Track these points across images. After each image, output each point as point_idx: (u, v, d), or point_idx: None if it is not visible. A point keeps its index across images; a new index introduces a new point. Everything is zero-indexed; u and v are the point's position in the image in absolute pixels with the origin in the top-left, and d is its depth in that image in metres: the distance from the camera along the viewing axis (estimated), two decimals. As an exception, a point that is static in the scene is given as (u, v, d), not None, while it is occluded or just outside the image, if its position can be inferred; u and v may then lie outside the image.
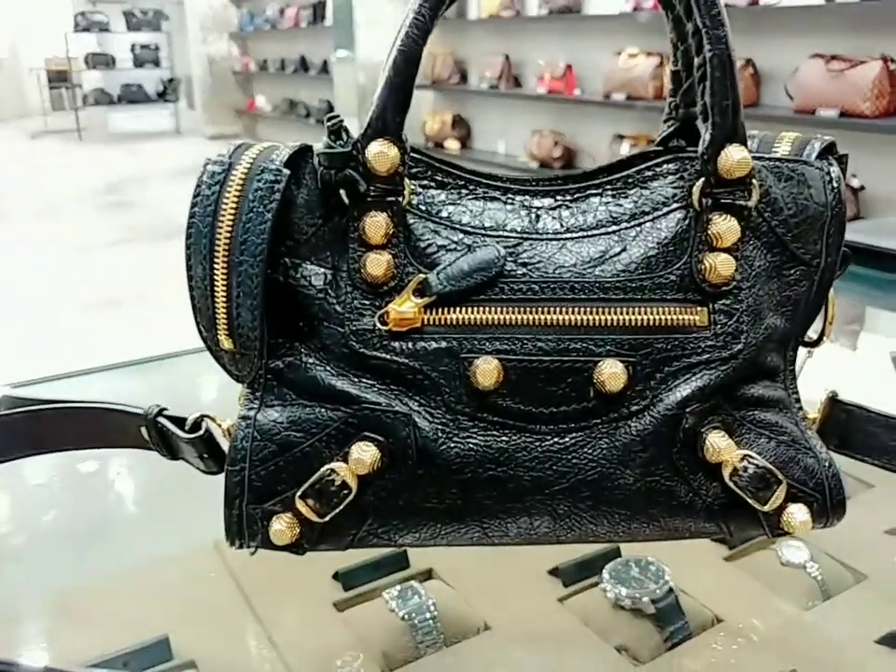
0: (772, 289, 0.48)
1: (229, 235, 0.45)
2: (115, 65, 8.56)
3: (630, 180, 0.48)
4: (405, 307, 0.45)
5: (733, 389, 0.48)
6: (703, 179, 0.46)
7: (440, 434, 0.46)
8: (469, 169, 0.52)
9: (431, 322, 0.46)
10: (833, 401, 0.55)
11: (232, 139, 7.84)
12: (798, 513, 0.48)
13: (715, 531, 0.49)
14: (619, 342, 0.46)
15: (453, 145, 5.83)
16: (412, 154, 0.47)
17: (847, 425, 0.56)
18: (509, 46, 5.42)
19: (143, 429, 0.56)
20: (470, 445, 0.46)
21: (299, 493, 0.46)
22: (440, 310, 0.46)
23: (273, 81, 7.69)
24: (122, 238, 4.76)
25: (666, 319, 0.46)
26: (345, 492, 0.45)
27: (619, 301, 0.46)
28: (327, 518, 0.46)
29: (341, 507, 0.46)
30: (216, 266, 0.45)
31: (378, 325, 0.46)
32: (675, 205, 0.47)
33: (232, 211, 0.45)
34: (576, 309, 0.46)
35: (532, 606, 0.64)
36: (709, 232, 0.46)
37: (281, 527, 0.46)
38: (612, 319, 0.46)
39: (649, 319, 0.46)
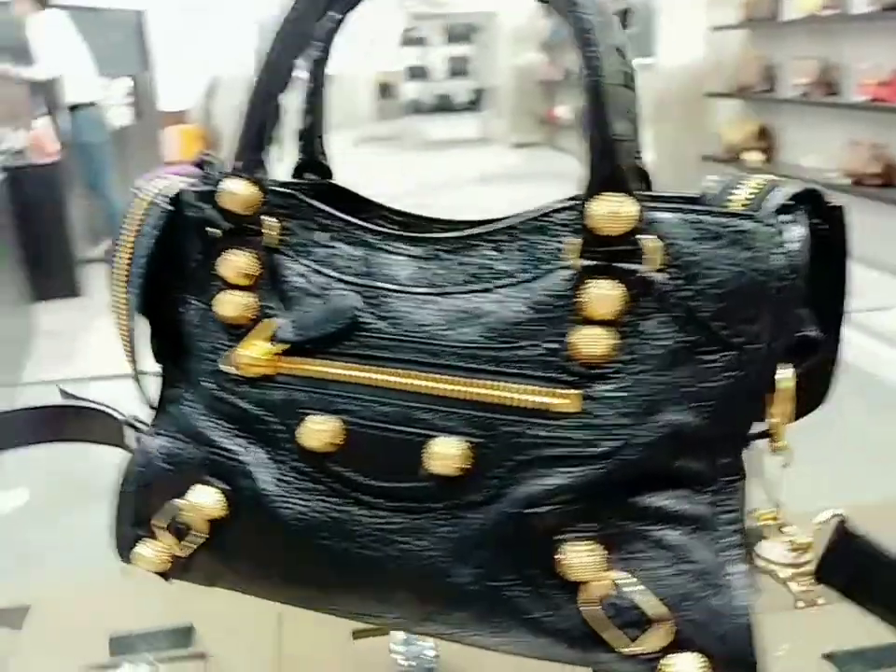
0: (679, 377, 0.38)
1: (127, 262, 0.46)
2: (429, 77, 9.18)
3: (515, 231, 0.41)
4: (252, 351, 0.43)
5: (619, 495, 0.39)
6: (579, 237, 0.38)
7: (280, 491, 0.43)
8: (390, 209, 0.48)
9: (284, 371, 0.43)
10: (844, 530, 0.43)
11: (534, 147, 8.04)
12: (683, 668, 0.38)
13: (581, 662, 0.41)
14: (466, 418, 0.40)
15: (753, 157, 5.44)
16: (292, 192, 0.44)
17: (858, 564, 0.43)
18: (826, 48, 4.93)
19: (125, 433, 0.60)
20: (308, 508, 0.42)
21: (153, 521, 0.46)
22: (296, 359, 0.43)
23: (576, 90, 7.63)
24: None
25: (521, 400, 0.39)
26: (192, 532, 0.44)
27: (472, 372, 0.40)
28: (186, 554, 0.45)
29: (194, 546, 0.45)
30: (115, 295, 0.46)
31: (227, 367, 0.44)
32: (560, 264, 0.40)
33: (131, 242, 0.46)
34: (425, 374, 0.40)
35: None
36: (581, 301, 0.38)
37: (147, 553, 0.46)
38: (460, 391, 0.40)
39: (500, 397, 0.39)
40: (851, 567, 0.43)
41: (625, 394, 0.38)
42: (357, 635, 0.62)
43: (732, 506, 0.40)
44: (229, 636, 0.63)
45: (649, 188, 0.46)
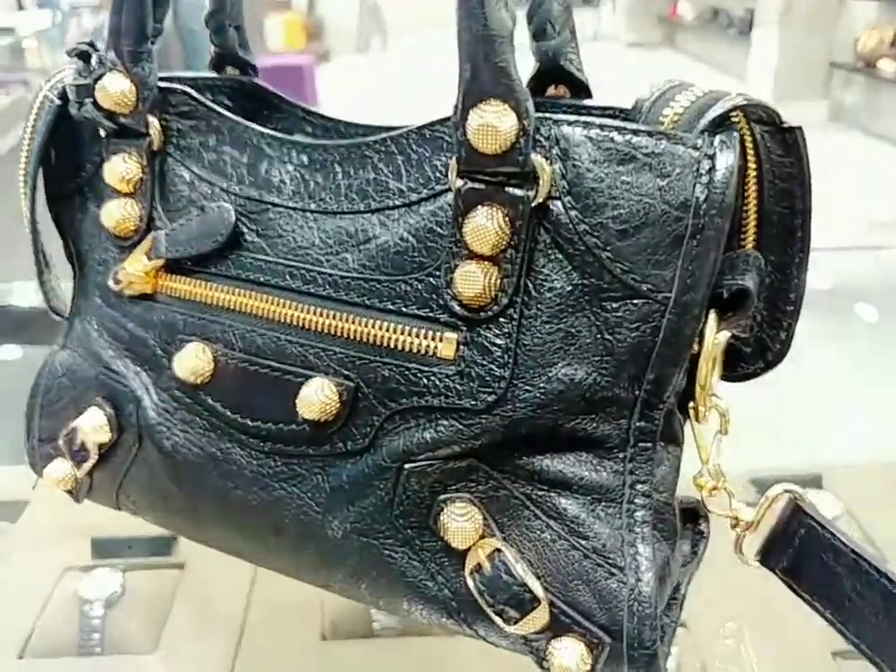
0: (574, 326, 0.32)
1: (25, 160, 0.43)
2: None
3: (406, 141, 0.35)
4: (134, 268, 0.40)
5: (507, 454, 0.34)
6: (457, 155, 0.32)
7: (162, 420, 0.40)
8: (310, 111, 0.43)
9: (164, 290, 0.39)
10: (796, 508, 0.38)
11: (651, 47, 7.59)
12: (566, 655, 0.34)
13: (463, 631, 0.37)
14: (339, 357, 0.35)
15: (889, 66, 4.98)
16: (182, 89, 0.40)
17: (804, 548, 0.38)
18: None
19: None
20: (187, 441, 0.40)
21: (59, 440, 0.44)
22: (175, 277, 0.39)
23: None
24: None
25: (397, 339, 0.34)
26: (84, 453, 0.42)
27: (349, 305, 0.35)
28: (85, 472, 0.43)
29: (90, 465, 0.43)
30: (22, 192, 0.44)
31: (112, 283, 0.41)
32: (447, 184, 0.34)
33: (29, 139, 0.43)
34: (299, 304, 0.36)
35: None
36: (462, 231, 0.32)
37: (55, 472, 0.45)
38: (333, 326, 0.35)
39: (375, 335, 0.34)
40: (796, 551, 0.38)
41: (509, 342, 0.33)
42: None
43: (645, 476, 0.34)
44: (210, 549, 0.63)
45: (587, 96, 0.39)
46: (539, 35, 0.39)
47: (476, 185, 0.32)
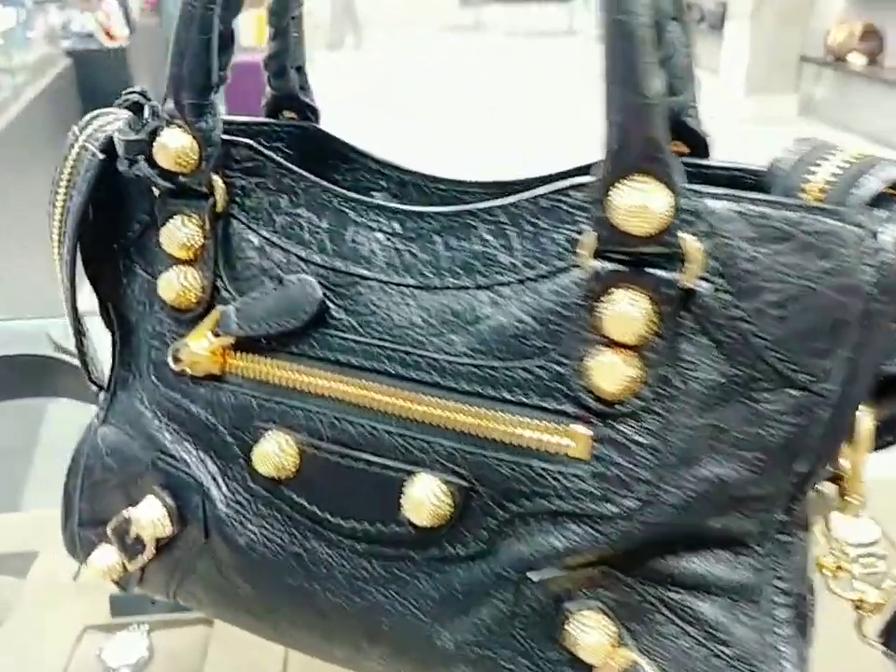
0: (723, 421, 0.29)
1: (60, 217, 0.39)
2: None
3: (520, 211, 0.31)
4: (198, 346, 0.35)
5: (641, 558, 0.31)
6: (595, 232, 0.29)
7: (234, 514, 0.36)
8: (382, 162, 0.39)
9: (234, 370, 0.35)
10: None
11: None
12: None
13: None
14: (449, 452, 0.31)
15: (857, 60, 5.02)
16: (247, 143, 0.35)
17: None
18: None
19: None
20: (264, 538, 0.35)
21: (108, 530, 0.39)
22: (247, 356, 0.35)
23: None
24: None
25: (519, 434, 0.30)
26: (140, 546, 0.38)
27: (457, 393, 0.31)
28: (137, 566, 0.39)
29: (140, 559, 0.38)
30: (54, 249, 0.40)
31: (173, 362, 0.36)
32: (571, 260, 0.30)
33: (63, 193, 0.39)
34: (400, 391, 0.32)
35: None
36: (597, 315, 0.29)
37: (101, 560, 0.40)
38: (442, 416, 0.31)
39: (492, 428, 0.31)
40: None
41: (653, 439, 0.29)
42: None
43: (783, 570, 0.31)
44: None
45: (705, 154, 0.35)
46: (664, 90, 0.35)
47: (616, 266, 0.28)
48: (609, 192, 0.27)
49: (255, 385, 0.35)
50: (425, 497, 0.31)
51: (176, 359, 0.36)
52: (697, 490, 0.29)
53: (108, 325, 0.41)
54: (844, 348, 0.28)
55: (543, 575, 0.31)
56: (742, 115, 5.48)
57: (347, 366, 0.33)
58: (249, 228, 0.35)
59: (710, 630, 0.31)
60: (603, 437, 0.30)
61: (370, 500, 0.33)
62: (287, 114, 0.43)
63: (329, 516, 0.34)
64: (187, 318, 0.36)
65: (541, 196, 0.31)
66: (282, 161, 0.35)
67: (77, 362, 0.56)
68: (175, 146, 0.33)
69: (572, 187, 0.30)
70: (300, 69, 0.42)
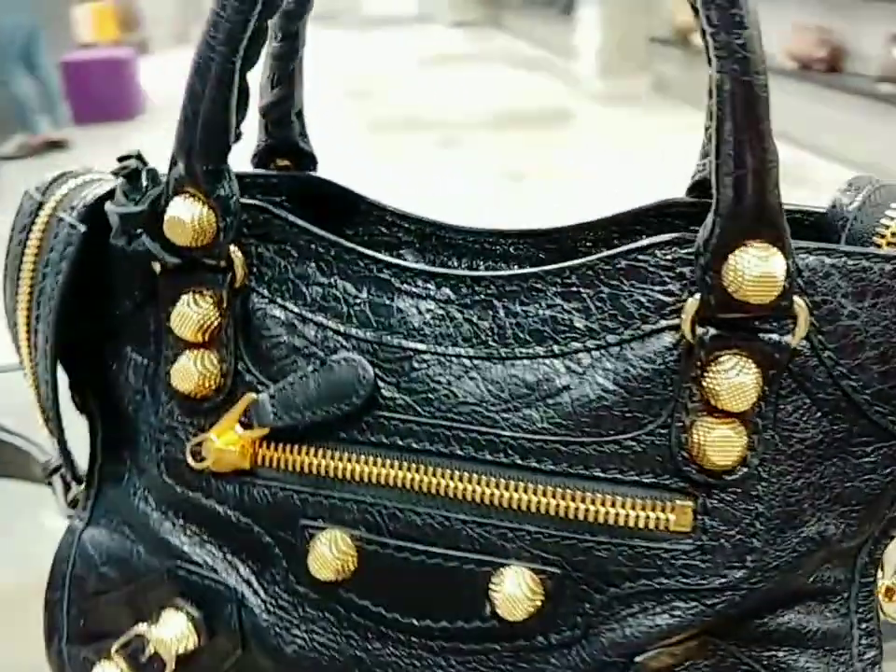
0: (826, 477, 0.28)
1: (28, 296, 0.34)
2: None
3: (591, 273, 0.29)
4: (226, 441, 0.31)
5: (736, 619, 0.29)
6: (700, 296, 0.27)
7: (275, 621, 0.32)
8: (397, 213, 0.36)
9: (267, 462, 0.31)
10: None
11: (475, 26, 7.65)
12: None
13: None
14: (536, 539, 0.29)
15: (701, 39, 5.27)
16: (261, 205, 0.31)
17: None
18: (779, -75, 4.72)
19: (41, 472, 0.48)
20: (315, 644, 0.32)
21: (114, 648, 0.34)
22: (280, 445, 0.31)
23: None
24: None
25: (616, 514, 0.28)
26: (158, 664, 0.33)
27: (542, 475, 0.29)
28: None
29: None
30: (18, 330, 0.34)
31: (193, 460, 0.32)
32: (662, 323, 0.28)
33: (31, 269, 0.34)
34: (473, 476, 0.29)
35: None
36: (705, 385, 0.27)
37: None
38: (526, 501, 0.29)
39: (586, 510, 0.28)
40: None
41: (759, 506, 0.28)
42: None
43: (867, 612, 0.31)
44: None
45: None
46: None
47: (723, 332, 0.26)
48: (728, 258, 0.25)
49: (295, 479, 0.31)
50: (520, 593, 0.28)
51: (198, 457, 0.31)
52: (800, 550, 0.28)
53: (84, 411, 0.36)
54: None
55: (650, 656, 0.29)
56: (597, 95, 5.65)
57: (407, 450, 0.30)
58: (273, 302, 0.31)
59: None
60: (708, 508, 0.28)
61: (449, 597, 0.30)
62: (281, 161, 0.39)
63: (398, 616, 0.30)
64: (204, 409, 0.32)
65: (620, 256, 0.28)
66: (306, 224, 0.31)
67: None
68: (190, 218, 0.29)
69: (653, 245, 0.28)
70: (299, 114, 0.38)
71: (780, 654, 0.30)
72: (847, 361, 0.27)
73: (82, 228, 0.31)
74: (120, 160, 0.30)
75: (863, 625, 0.31)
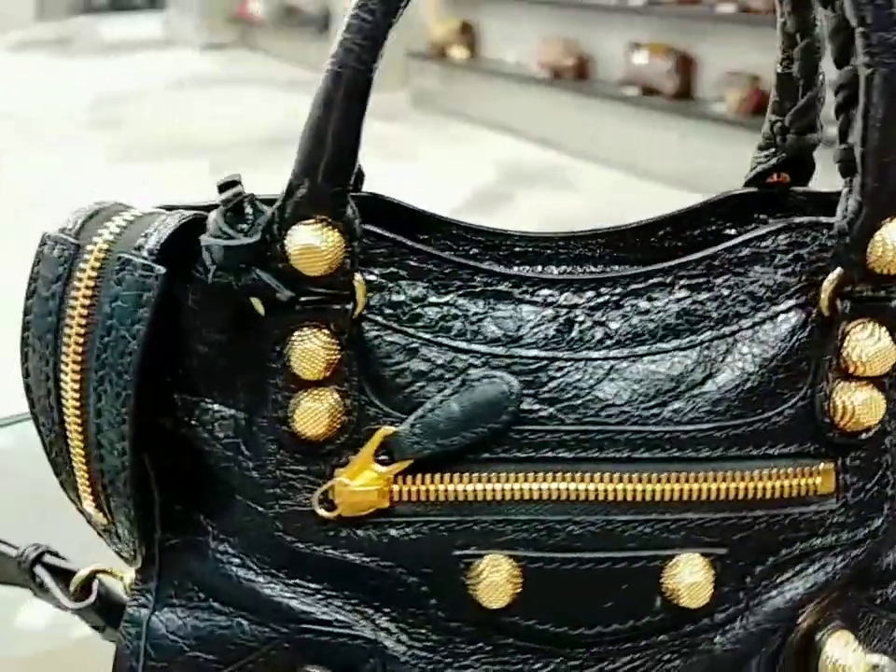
0: None
1: (78, 364, 0.29)
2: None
3: (717, 262, 0.30)
4: (363, 481, 0.29)
5: (865, 566, 0.32)
6: (840, 271, 0.29)
7: (424, 665, 0.30)
8: (461, 225, 0.35)
9: (405, 497, 0.29)
10: None
11: (226, 48, 7.48)
12: None
13: None
14: (702, 526, 0.29)
15: (459, 53, 5.50)
16: (369, 229, 0.29)
17: None
18: (517, -57, 5.04)
19: (17, 570, 0.42)
20: None
21: None
22: (418, 476, 0.29)
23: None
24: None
25: (771, 487, 0.29)
26: None
27: (698, 463, 0.29)
28: None
29: None
30: (63, 405, 0.29)
31: (321, 508, 0.29)
32: (787, 304, 0.30)
33: (81, 326, 0.29)
34: (636, 475, 0.29)
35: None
36: (845, 354, 0.29)
37: None
38: (694, 490, 0.29)
39: (748, 488, 0.29)
40: None
41: (887, 457, 0.31)
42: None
43: None
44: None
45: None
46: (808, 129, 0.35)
47: (859, 303, 0.28)
48: (874, 235, 0.27)
49: (439, 510, 0.29)
50: (700, 578, 0.29)
51: (327, 503, 0.29)
52: None
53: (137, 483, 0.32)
54: None
55: (808, 610, 0.30)
56: (362, 112, 5.72)
57: (556, 461, 0.29)
58: (388, 328, 0.29)
59: None
60: (848, 467, 0.30)
61: (620, 599, 0.30)
62: None
63: (567, 630, 0.30)
64: (324, 452, 0.29)
65: (742, 244, 0.30)
66: (413, 243, 0.30)
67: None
68: (324, 245, 0.27)
69: (773, 232, 0.30)
70: None
71: (890, 592, 0.33)
72: None
73: (161, 269, 0.28)
74: (222, 187, 0.27)
75: None
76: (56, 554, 0.42)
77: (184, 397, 0.30)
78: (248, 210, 0.27)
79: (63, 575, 0.40)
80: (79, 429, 0.30)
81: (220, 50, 7.49)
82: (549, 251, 0.36)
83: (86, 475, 0.31)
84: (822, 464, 0.30)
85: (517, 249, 0.35)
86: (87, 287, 0.29)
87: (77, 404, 0.29)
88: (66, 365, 0.29)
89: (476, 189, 4.22)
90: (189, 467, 0.31)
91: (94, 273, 0.29)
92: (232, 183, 0.27)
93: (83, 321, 0.29)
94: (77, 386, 0.29)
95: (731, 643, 0.31)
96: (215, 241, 0.27)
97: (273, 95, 6.23)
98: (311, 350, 0.28)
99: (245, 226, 0.27)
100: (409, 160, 4.97)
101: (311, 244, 0.27)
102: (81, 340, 0.29)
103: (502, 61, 5.39)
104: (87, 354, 0.29)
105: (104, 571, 0.39)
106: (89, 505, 0.32)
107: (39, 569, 0.40)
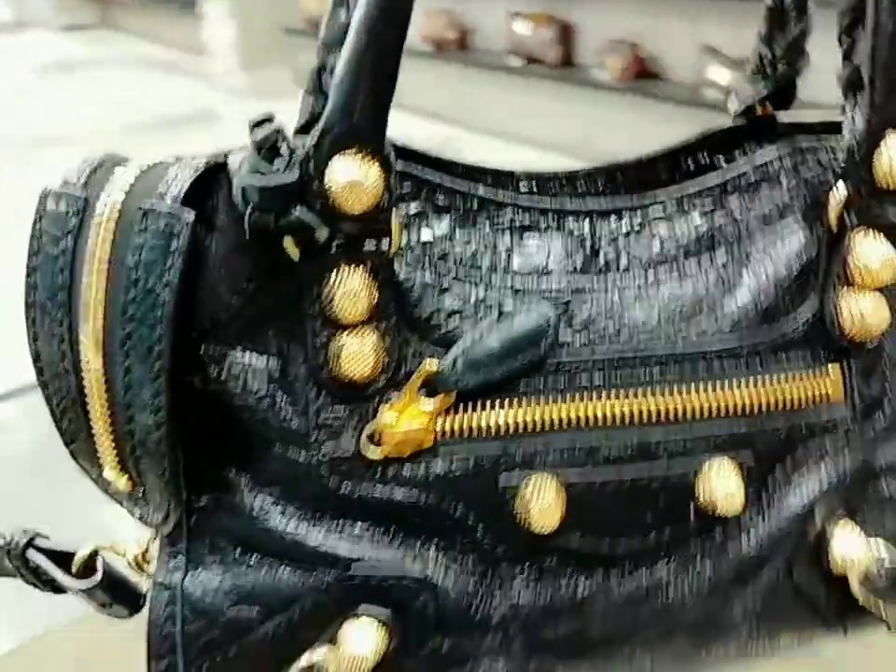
0: None
1: (102, 324, 0.27)
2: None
3: (729, 188, 0.32)
4: (408, 419, 0.29)
5: (864, 465, 0.34)
6: (847, 187, 0.31)
7: (472, 594, 0.31)
8: (476, 167, 0.35)
9: (449, 432, 0.29)
10: None
11: (88, 29, 7.11)
12: None
13: (828, 635, 0.36)
14: (730, 434, 0.31)
15: (337, 28, 5.42)
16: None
17: None
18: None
19: (5, 559, 0.40)
20: (519, 603, 0.31)
21: None
22: (460, 411, 0.29)
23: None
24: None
25: (789, 394, 0.31)
26: None
27: (727, 376, 0.31)
28: None
29: None
30: (83, 369, 0.28)
31: (366, 449, 0.29)
32: (795, 222, 0.32)
33: (102, 278, 0.27)
34: (666, 392, 0.30)
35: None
36: (853, 264, 0.31)
37: None
38: (723, 401, 0.31)
39: (769, 394, 0.31)
40: None
41: (887, 359, 0.33)
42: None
43: None
44: None
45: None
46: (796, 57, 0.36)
47: (864, 217, 0.30)
48: (879, 151, 0.29)
49: (482, 442, 0.30)
50: (731, 485, 0.30)
51: (376, 444, 0.29)
52: None
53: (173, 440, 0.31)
54: None
55: (822, 511, 0.32)
56: (241, 91, 5.57)
57: (592, 386, 0.30)
58: (418, 265, 0.29)
59: None
60: (854, 372, 0.32)
61: (658, 510, 0.31)
62: None
63: (609, 543, 0.31)
64: (367, 394, 0.29)
65: (751, 170, 0.32)
66: (440, 181, 0.30)
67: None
68: (367, 180, 0.26)
69: (778, 157, 0.32)
70: None
71: (882, 481, 0.35)
72: None
73: (190, 216, 0.27)
74: (255, 125, 0.26)
75: None
76: (46, 537, 0.40)
77: (212, 351, 0.29)
78: (283, 148, 0.27)
79: (59, 557, 0.38)
80: (104, 391, 0.29)
81: (82, 31, 7.12)
82: (554, 188, 0.36)
83: (110, 439, 0.29)
84: (833, 370, 0.32)
85: (522, 187, 0.36)
86: (104, 241, 0.28)
87: (101, 364, 0.28)
88: (87, 323, 0.28)
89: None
90: (219, 423, 0.30)
91: (112, 226, 0.27)
92: (267, 120, 0.27)
93: (104, 276, 0.27)
94: (100, 343, 0.28)
95: (755, 545, 0.32)
96: (251, 180, 0.26)
97: (147, 76, 5.98)
98: (353, 290, 0.28)
99: (280, 164, 0.27)
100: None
101: (355, 178, 0.26)
102: (103, 295, 0.28)
103: (383, 35, 5.35)
104: (110, 310, 0.28)
105: (104, 548, 0.38)
106: (110, 471, 0.30)
107: (32, 553, 0.38)
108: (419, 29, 4.85)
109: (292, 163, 0.27)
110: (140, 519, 0.33)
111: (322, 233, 0.27)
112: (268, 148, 0.26)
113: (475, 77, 4.71)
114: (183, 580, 0.31)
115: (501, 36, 4.43)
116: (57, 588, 0.40)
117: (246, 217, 0.27)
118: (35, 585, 0.41)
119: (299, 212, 0.26)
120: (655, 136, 0.43)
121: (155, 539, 0.34)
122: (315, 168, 0.27)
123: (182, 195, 0.27)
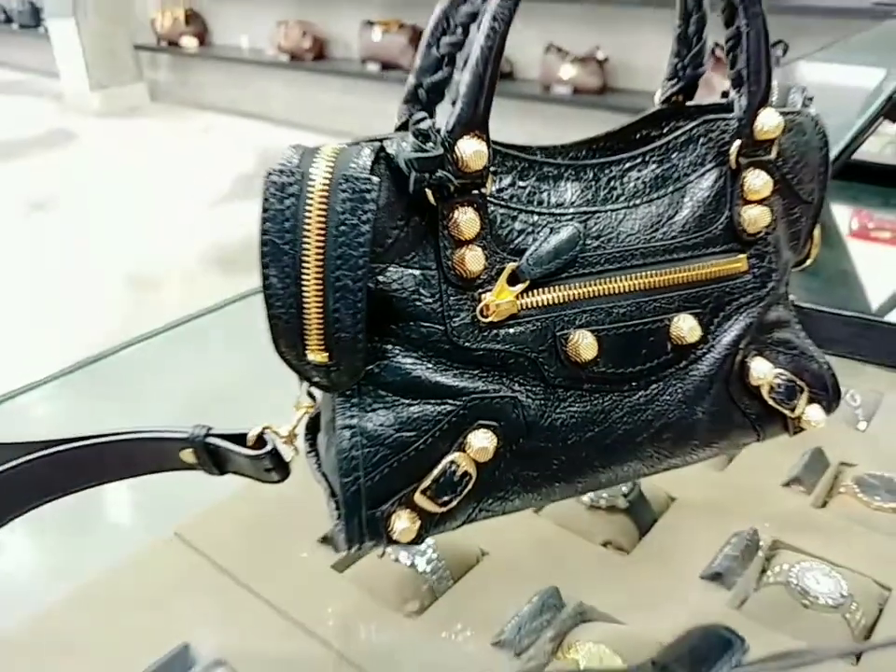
0: (784, 228, 0.55)
1: (320, 251, 0.43)
2: None
3: (670, 146, 0.52)
4: (503, 298, 0.47)
5: (762, 320, 0.55)
6: (739, 141, 0.51)
7: (543, 409, 0.49)
8: (527, 146, 0.53)
9: (525, 306, 0.48)
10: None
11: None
12: (815, 413, 0.57)
13: (752, 441, 0.57)
14: (686, 297, 0.51)
15: (189, 43, 5.41)
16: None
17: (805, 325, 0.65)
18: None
19: (184, 452, 0.54)
20: (571, 413, 0.50)
21: (420, 488, 0.47)
22: (529, 293, 0.48)
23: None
24: None
25: (719, 270, 0.52)
26: (467, 479, 0.48)
27: (681, 261, 0.51)
28: (448, 507, 0.48)
29: (463, 494, 0.48)
30: (304, 283, 0.43)
31: (479, 318, 0.47)
32: (709, 165, 0.52)
33: (320, 225, 0.43)
34: (647, 273, 0.50)
35: (517, 524, 0.65)
36: (746, 188, 0.52)
37: (404, 525, 0.47)
38: (679, 277, 0.51)
39: (707, 272, 0.51)
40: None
41: (770, 248, 0.54)
42: (340, 567, 0.65)
43: (791, 306, 0.59)
44: (221, 631, 0.61)
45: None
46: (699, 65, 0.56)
47: (749, 158, 0.51)
48: (758, 115, 0.50)
49: (544, 310, 0.48)
50: (694, 325, 0.51)
51: (484, 313, 0.47)
52: (784, 267, 0.55)
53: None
54: (818, 176, 0.56)
55: (743, 343, 0.53)
56: (96, 111, 5.47)
57: (607, 272, 0.49)
58: (498, 205, 0.48)
59: (788, 345, 0.57)
60: (754, 254, 0.53)
61: (648, 347, 0.51)
62: None
63: (623, 370, 0.50)
64: (473, 286, 0.47)
65: (683, 133, 0.52)
66: (504, 149, 0.48)
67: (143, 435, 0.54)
68: (484, 150, 0.44)
69: (697, 125, 0.52)
70: None
71: (774, 333, 0.57)
72: (786, 166, 0.54)
73: (376, 179, 0.43)
74: (414, 122, 0.44)
75: (793, 313, 0.58)
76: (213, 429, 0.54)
77: (377, 265, 0.45)
78: (433, 135, 0.44)
79: (234, 440, 0.53)
80: (320, 294, 0.43)
81: None
82: (561, 155, 0.55)
83: (319, 329, 0.44)
84: (741, 254, 0.53)
85: (537, 155, 0.54)
86: (321, 197, 0.42)
87: (322, 277, 0.43)
88: (308, 250, 0.42)
89: (238, 176, 4.25)
90: (383, 312, 0.46)
91: (324, 187, 0.43)
92: (423, 119, 0.44)
93: (321, 220, 0.42)
94: (319, 265, 0.42)
95: (706, 367, 0.53)
96: (416, 155, 0.44)
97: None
98: (470, 219, 0.45)
99: (432, 144, 0.44)
100: (163, 153, 4.85)
101: (479, 149, 0.44)
102: (321, 233, 0.42)
103: (237, 47, 5.39)
104: (325, 243, 0.43)
105: (268, 427, 0.53)
106: (313, 353, 0.45)
107: (212, 439, 0.53)
108: (272, 39, 4.95)
109: (436, 144, 0.44)
110: (316, 384, 0.48)
111: (454, 184, 0.45)
112: (424, 136, 0.44)
113: (333, 85, 4.84)
114: (359, 422, 0.48)
115: (356, 44, 4.60)
116: (223, 470, 0.55)
117: (412, 179, 0.44)
118: (209, 470, 0.55)
119: (440, 173, 0.44)
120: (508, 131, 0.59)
121: (301, 418, 0.50)
122: (450, 145, 0.44)
123: (370, 165, 0.44)
